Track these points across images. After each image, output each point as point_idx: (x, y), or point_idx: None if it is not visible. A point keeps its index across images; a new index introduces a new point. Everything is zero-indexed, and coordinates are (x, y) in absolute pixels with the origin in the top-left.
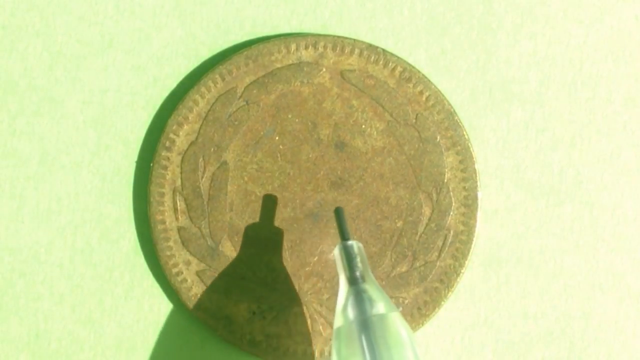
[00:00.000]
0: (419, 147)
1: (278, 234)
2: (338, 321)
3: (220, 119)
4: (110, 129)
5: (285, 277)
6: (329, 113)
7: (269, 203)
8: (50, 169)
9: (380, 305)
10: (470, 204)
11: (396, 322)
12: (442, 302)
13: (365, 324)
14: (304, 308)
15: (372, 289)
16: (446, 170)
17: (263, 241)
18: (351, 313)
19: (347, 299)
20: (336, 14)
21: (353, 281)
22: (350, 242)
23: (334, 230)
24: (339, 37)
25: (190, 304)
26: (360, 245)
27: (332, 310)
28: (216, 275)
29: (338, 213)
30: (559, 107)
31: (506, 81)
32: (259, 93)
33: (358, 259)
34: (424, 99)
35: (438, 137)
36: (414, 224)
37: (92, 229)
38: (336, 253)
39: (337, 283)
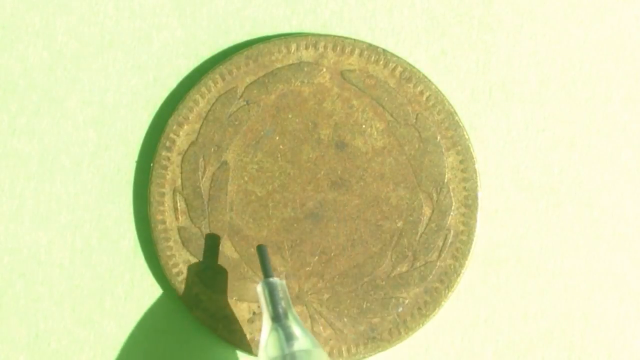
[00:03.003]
0: (419, 147)
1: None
2: (261, 358)
3: (221, 119)
4: (110, 129)
5: (286, 278)
6: (329, 113)
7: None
8: (50, 169)
9: (302, 342)
10: (470, 204)
11: (321, 358)
12: (443, 302)
13: None
14: (304, 308)
15: (294, 325)
16: (446, 170)
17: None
18: (271, 350)
19: (269, 336)
20: (336, 13)
21: (276, 318)
22: (272, 280)
23: (334, 230)
24: (339, 37)
25: (191, 304)
26: (283, 282)
27: (332, 310)
28: (216, 275)
29: (261, 251)
30: (559, 107)
31: (506, 81)
32: (259, 93)
33: (280, 296)
34: (424, 99)
35: (438, 137)
36: (414, 224)
37: (92, 229)
38: (259, 290)
39: (338, 283)
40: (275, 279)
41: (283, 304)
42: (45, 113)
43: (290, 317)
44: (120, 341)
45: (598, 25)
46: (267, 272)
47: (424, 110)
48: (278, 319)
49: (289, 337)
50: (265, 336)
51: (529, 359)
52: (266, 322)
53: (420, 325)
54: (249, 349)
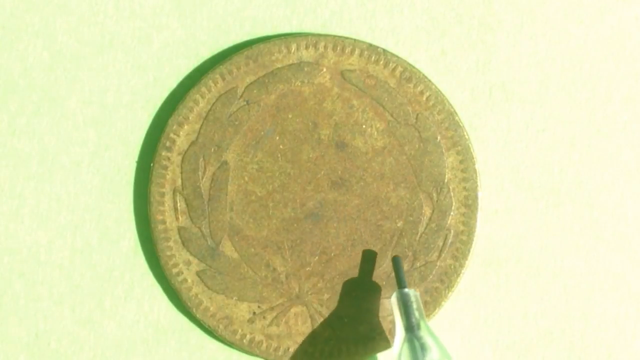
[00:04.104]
0: (419, 147)
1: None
2: None
3: (221, 119)
4: (110, 129)
5: (286, 278)
6: (330, 113)
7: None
8: (50, 169)
9: (434, 353)
10: (470, 204)
11: None
12: (443, 302)
13: None
14: (305, 308)
15: (427, 336)
16: (446, 170)
17: (263, 242)
18: (405, 359)
19: (402, 346)
20: (336, 14)
21: (409, 328)
22: (407, 290)
23: (334, 230)
24: (339, 37)
25: (191, 304)
26: (417, 293)
27: (332, 310)
28: (216, 275)
29: (396, 262)
30: (559, 107)
31: (506, 81)
32: (259, 93)
33: (414, 307)
34: (424, 99)
35: (438, 137)
36: (414, 224)
37: (92, 229)
38: (393, 300)
39: (338, 283)
40: (409, 290)
41: (417, 314)
42: (45, 113)
43: (423, 327)
44: (120, 341)
45: (598, 26)
46: (401, 283)
47: (424, 110)
48: (411, 329)
49: (423, 348)
50: (399, 346)
51: (529, 358)
52: (399, 332)
53: None
54: (248, 349)
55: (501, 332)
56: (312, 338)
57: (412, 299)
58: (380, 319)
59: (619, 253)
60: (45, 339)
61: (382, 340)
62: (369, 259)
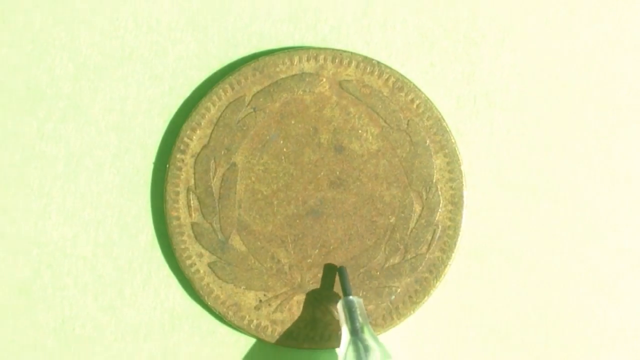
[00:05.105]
0: (410, 150)
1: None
2: None
3: (230, 125)
4: (130, 133)
5: (289, 269)
6: (329, 119)
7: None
8: (75, 170)
9: (376, 354)
10: (456, 202)
11: None
12: (431, 291)
13: None
14: (306, 296)
15: (370, 339)
16: (435, 171)
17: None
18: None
19: (347, 348)
20: (335, 29)
21: (354, 332)
22: (351, 298)
23: (333, 225)
24: (337, 50)
25: (203, 293)
26: (360, 300)
27: (330, 297)
28: (226, 266)
29: (341, 272)
30: (537, 114)
31: (489, 90)
32: (265, 101)
33: (358, 313)
34: (414, 106)
35: (427, 141)
36: (405, 220)
37: (113, 225)
38: (339, 307)
39: (335, 274)
40: (354, 297)
41: (360, 319)
42: (71, 119)
43: (366, 331)
44: (139, 326)
45: (571, 41)
46: (346, 291)
47: (415, 116)
48: (356, 332)
49: (367, 349)
50: (344, 348)
51: (510, 341)
52: (345, 335)
53: (411, 311)
54: (255, 333)
55: (484, 317)
56: (313, 323)
57: (356, 305)
58: (374, 306)
59: (591, 246)
60: (70, 324)
61: (376, 325)
62: (363, 250)
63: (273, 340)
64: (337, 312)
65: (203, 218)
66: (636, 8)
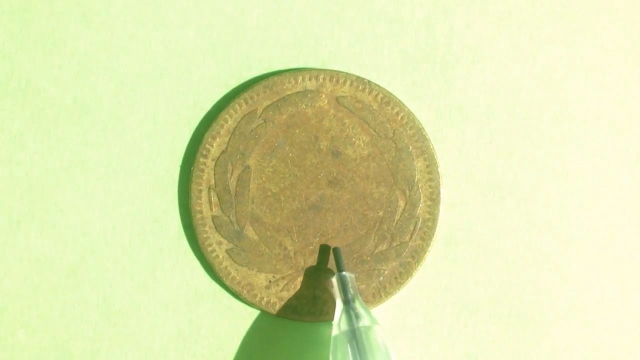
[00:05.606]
0: (395, 155)
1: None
2: (334, 331)
3: (245, 133)
4: (160, 141)
5: (294, 254)
6: (327, 129)
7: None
8: (114, 172)
9: (365, 320)
10: (434, 198)
11: (377, 333)
12: (414, 273)
13: (354, 334)
14: (307, 278)
15: (360, 307)
16: (416, 172)
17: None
18: (343, 325)
19: (340, 315)
20: (333, 53)
21: (346, 302)
22: (345, 273)
23: (331, 218)
24: (335, 71)
25: (221, 275)
26: (352, 275)
27: (328, 277)
28: (241, 252)
29: (336, 252)
30: (502, 125)
31: (462, 105)
32: (274, 114)
33: (350, 286)
34: (399, 118)
35: (410, 148)
36: (391, 214)
37: (146, 218)
38: (334, 281)
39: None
40: (346, 273)
41: (352, 291)
42: (111, 129)
43: (357, 301)
44: (168, 303)
45: (531, 63)
46: (340, 267)
47: (399, 126)
48: (348, 302)
49: (357, 316)
50: (338, 315)
51: (479, 315)
52: (338, 305)
53: (397, 290)
54: (265, 309)
55: (458, 295)
56: (314, 300)
57: (348, 279)
58: (365, 286)
59: (547, 235)
60: (111, 301)
61: (367, 302)
62: (356, 239)
63: (280, 314)
64: (332, 286)
65: (222, 212)
66: (591, 31)
